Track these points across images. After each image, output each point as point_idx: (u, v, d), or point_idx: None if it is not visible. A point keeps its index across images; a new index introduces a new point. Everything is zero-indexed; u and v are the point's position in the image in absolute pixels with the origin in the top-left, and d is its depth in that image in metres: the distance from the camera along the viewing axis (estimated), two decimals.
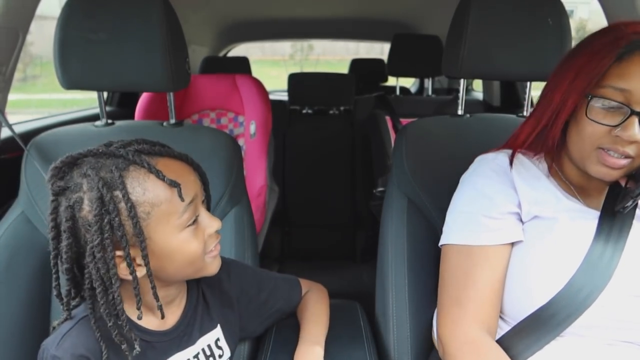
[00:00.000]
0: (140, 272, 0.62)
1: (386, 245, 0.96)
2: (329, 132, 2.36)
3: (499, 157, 0.80)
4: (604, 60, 0.67)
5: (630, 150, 0.66)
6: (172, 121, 1.05)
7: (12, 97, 1.09)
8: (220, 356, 0.77)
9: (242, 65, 2.79)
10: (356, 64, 3.41)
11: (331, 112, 2.44)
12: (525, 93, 1.13)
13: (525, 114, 1.10)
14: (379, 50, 4.12)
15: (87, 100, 2.24)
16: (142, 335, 0.68)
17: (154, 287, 0.63)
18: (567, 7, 1.00)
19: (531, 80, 1.06)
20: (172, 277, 0.67)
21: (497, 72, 1.05)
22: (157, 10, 0.92)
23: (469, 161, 0.85)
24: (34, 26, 1.07)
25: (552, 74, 0.76)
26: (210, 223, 0.67)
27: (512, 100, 2.23)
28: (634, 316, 0.67)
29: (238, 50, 3.46)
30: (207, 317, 0.76)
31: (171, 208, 0.61)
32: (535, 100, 2.00)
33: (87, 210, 0.58)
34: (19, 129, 1.56)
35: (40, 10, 1.08)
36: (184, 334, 0.72)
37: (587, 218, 0.72)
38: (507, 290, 0.74)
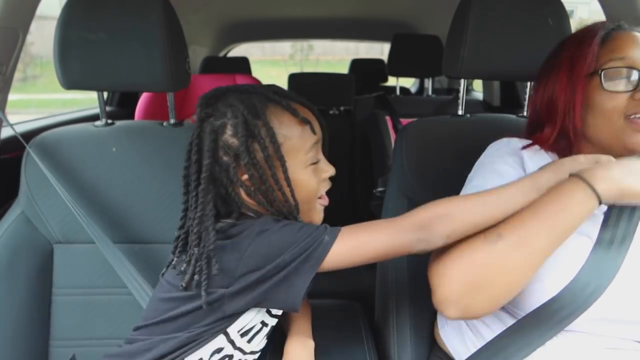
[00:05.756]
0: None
1: None
2: (329, 132, 2.36)
3: (513, 141, 0.83)
4: (592, 45, 0.72)
5: None
6: (172, 121, 1.04)
7: (12, 97, 1.09)
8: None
9: (242, 65, 2.79)
10: (356, 64, 3.41)
11: (331, 112, 2.44)
12: (525, 93, 1.13)
13: (525, 114, 1.10)
14: (379, 50, 4.11)
15: (87, 100, 2.24)
16: None
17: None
18: (567, 7, 1.00)
19: (531, 80, 1.06)
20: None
21: (497, 72, 1.05)
22: (157, 11, 0.92)
23: (469, 161, 0.85)
24: (34, 26, 1.07)
25: (535, 87, 0.80)
26: (327, 168, 0.75)
27: (512, 100, 2.23)
28: (637, 314, 0.67)
29: (238, 50, 3.46)
30: None
31: (300, 144, 0.69)
32: None
33: (229, 134, 0.66)
34: (19, 129, 1.55)
35: (40, 10, 1.08)
36: None
37: (594, 214, 0.72)
38: None
